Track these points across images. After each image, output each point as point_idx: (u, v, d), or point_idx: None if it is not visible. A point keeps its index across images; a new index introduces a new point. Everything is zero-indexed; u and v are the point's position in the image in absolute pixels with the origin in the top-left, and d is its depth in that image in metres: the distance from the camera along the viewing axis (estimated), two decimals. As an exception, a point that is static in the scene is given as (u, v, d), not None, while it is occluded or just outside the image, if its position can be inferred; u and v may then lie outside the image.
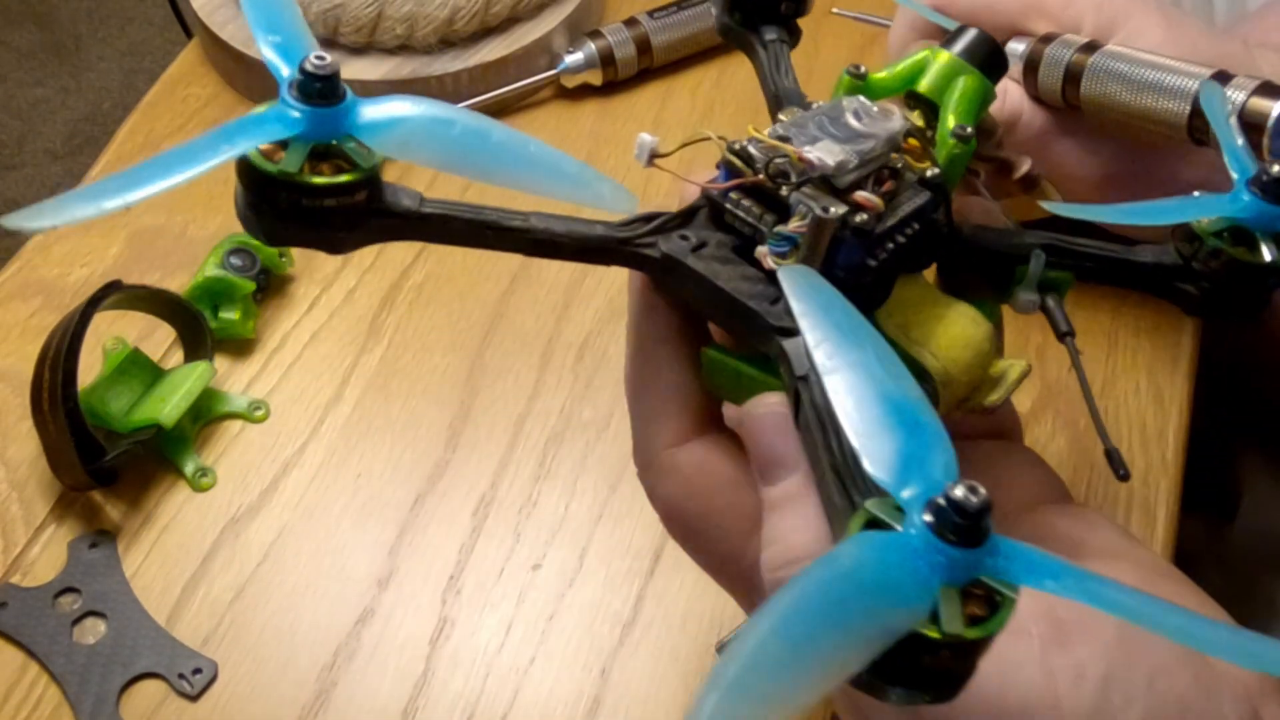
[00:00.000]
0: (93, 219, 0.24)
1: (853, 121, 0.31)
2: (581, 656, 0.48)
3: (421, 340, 0.57)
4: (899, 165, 0.31)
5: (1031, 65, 0.49)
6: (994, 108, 0.49)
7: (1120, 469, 0.33)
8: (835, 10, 0.65)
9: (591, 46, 0.67)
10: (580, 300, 0.59)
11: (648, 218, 0.31)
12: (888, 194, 0.30)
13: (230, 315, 0.56)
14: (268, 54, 0.28)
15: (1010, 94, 0.50)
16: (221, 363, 0.56)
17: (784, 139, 0.30)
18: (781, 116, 0.31)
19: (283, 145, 0.27)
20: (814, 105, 0.32)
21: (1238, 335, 0.68)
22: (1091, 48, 0.47)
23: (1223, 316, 0.33)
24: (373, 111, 0.27)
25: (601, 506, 0.52)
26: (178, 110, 0.68)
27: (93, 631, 0.48)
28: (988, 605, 0.21)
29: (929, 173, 0.32)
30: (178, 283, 0.57)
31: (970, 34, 0.35)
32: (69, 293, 0.59)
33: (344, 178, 0.27)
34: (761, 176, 0.30)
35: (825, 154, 0.29)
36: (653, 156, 0.31)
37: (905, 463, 0.23)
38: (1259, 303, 0.32)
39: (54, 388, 0.48)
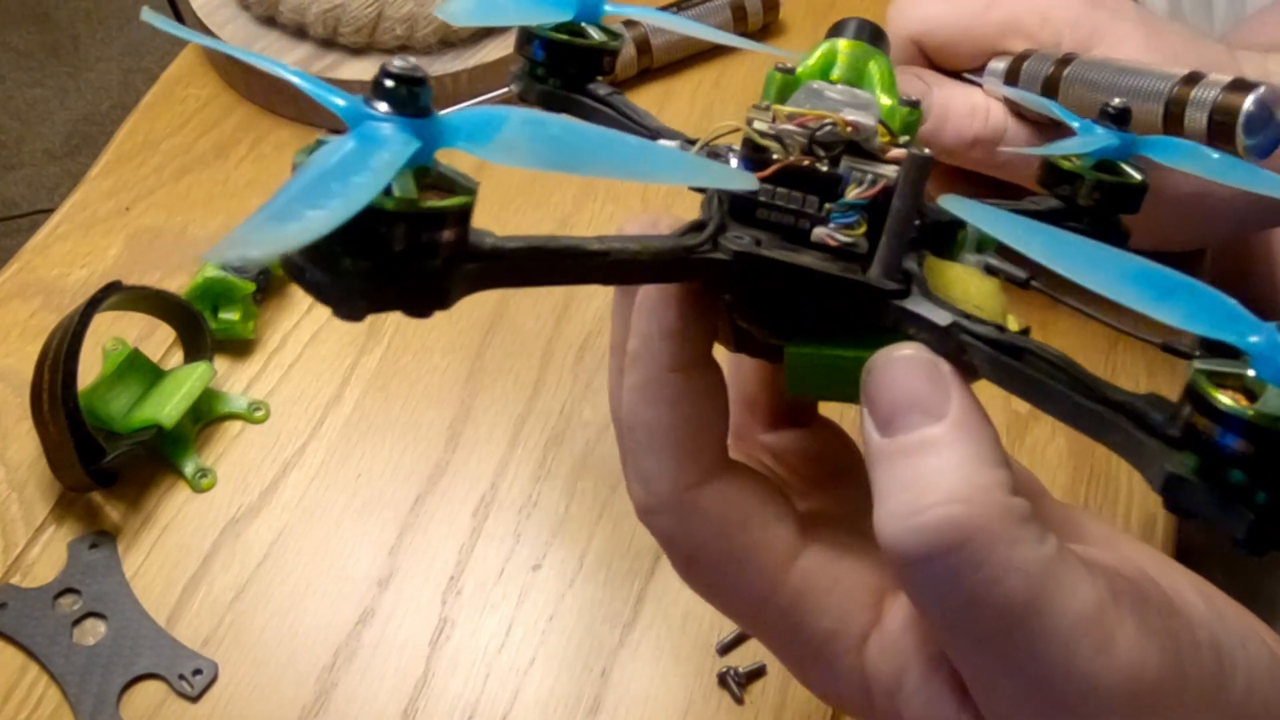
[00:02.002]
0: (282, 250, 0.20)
1: (836, 96, 0.30)
2: (581, 657, 0.48)
3: (421, 340, 0.57)
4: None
5: (1012, 82, 0.50)
6: (977, 125, 0.51)
7: (1186, 349, 0.34)
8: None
9: (591, 47, 0.67)
10: (580, 300, 0.59)
11: (698, 225, 0.29)
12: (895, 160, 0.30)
13: (230, 316, 0.56)
14: (311, 88, 0.24)
15: (993, 111, 0.51)
16: (221, 363, 0.56)
17: (816, 111, 0.29)
18: (752, 115, 0.30)
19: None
20: (764, 104, 0.32)
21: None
22: (1068, 60, 0.48)
23: (1106, 240, 0.35)
24: (469, 118, 0.24)
25: (602, 507, 0.52)
26: (177, 110, 0.68)
27: (93, 632, 0.48)
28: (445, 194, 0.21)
29: (901, 140, 0.31)
30: (178, 283, 0.57)
31: (853, 21, 0.35)
32: (69, 293, 0.59)
33: (461, 198, 0.23)
34: (793, 157, 0.29)
35: (861, 116, 0.29)
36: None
37: (1218, 318, 0.23)
38: (1126, 229, 0.36)
39: (54, 388, 0.48)
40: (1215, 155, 0.34)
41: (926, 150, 0.28)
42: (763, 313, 0.30)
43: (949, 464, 0.25)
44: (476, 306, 0.58)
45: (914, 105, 0.33)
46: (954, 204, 0.27)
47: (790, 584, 0.29)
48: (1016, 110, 0.51)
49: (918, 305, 0.27)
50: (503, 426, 0.54)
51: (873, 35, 0.35)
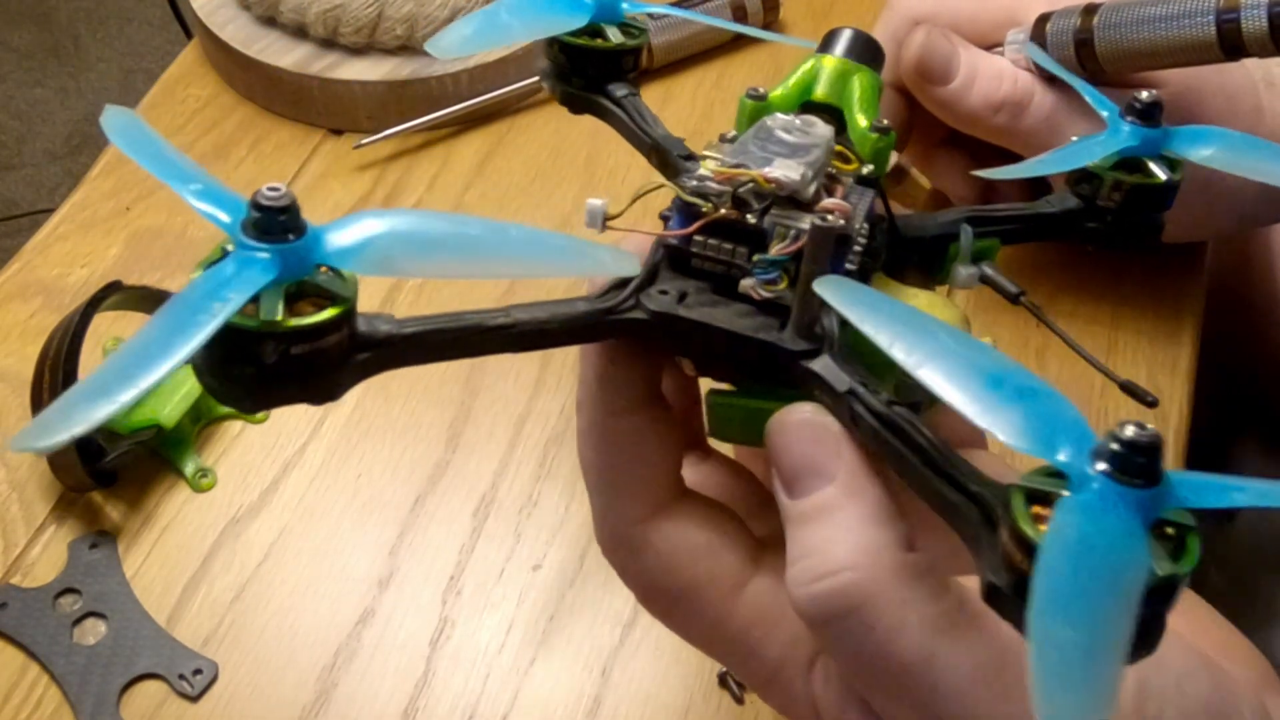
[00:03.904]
0: (109, 417, 0.21)
1: (785, 136, 0.30)
2: (582, 657, 0.48)
3: (421, 340, 0.57)
4: (833, 171, 0.31)
5: (1039, 46, 0.49)
6: (1005, 88, 0.50)
7: (1147, 396, 0.33)
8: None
9: (591, 47, 0.67)
10: (580, 300, 0.59)
11: (620, 284, 0.30)
12: (843, 198, 0.30)
13: (230, 316, 0.56)
14: (199, 205, 0.25)
15: (1021, 78, 0.50)
16: (222, 363, 0.56)
17: (738, 166, 0.29)
18: (708, 152, 0.31)
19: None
20: (730, 135, 0.32)
21: (1236, 334, 0.68)
22: (1091, 10, 0.47)
23: (1128, 245, 0.34)
24: (341, 237, 0.25)
25: (602, 507, 0.52)
26: (177, 110, 0.68)
27: (93, 632, 0.48)
28: (1170, 544, 0.22)
29: (864, 170, 0.32)
30: (178, 283, 0.57)
31: (845, 34, 0.36)
32: (69, 293, 0.59)
33: (330, 312, 0.24)
34: (723, 211, 0.29)
35: (787, 170, 0.29)
36: (605, 220, 0.31)
37: (1042, 427, 0.22)
38: (1157, 226, 0.34)
39: (54, 388, 0.48)
40: (1249, 146, 0.33)
41: (831, 219, 0.28)
42: (696, 359, 0.31)
43: (840, 529, 0.26)
44: (476, 307, 0.58)
45: (883, 132, 0.33)
46: (825, 286, 0.27)
47: (739, 614, 0.30)
48: (1046, 75, 0.50)
49: (822, 366, 0.28)
50: (503, 426, 0.54)
51: (863, 49, 0.35)
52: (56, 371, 0.48)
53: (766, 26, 0.71)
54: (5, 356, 0.56)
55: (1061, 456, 0.22)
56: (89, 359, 0.50)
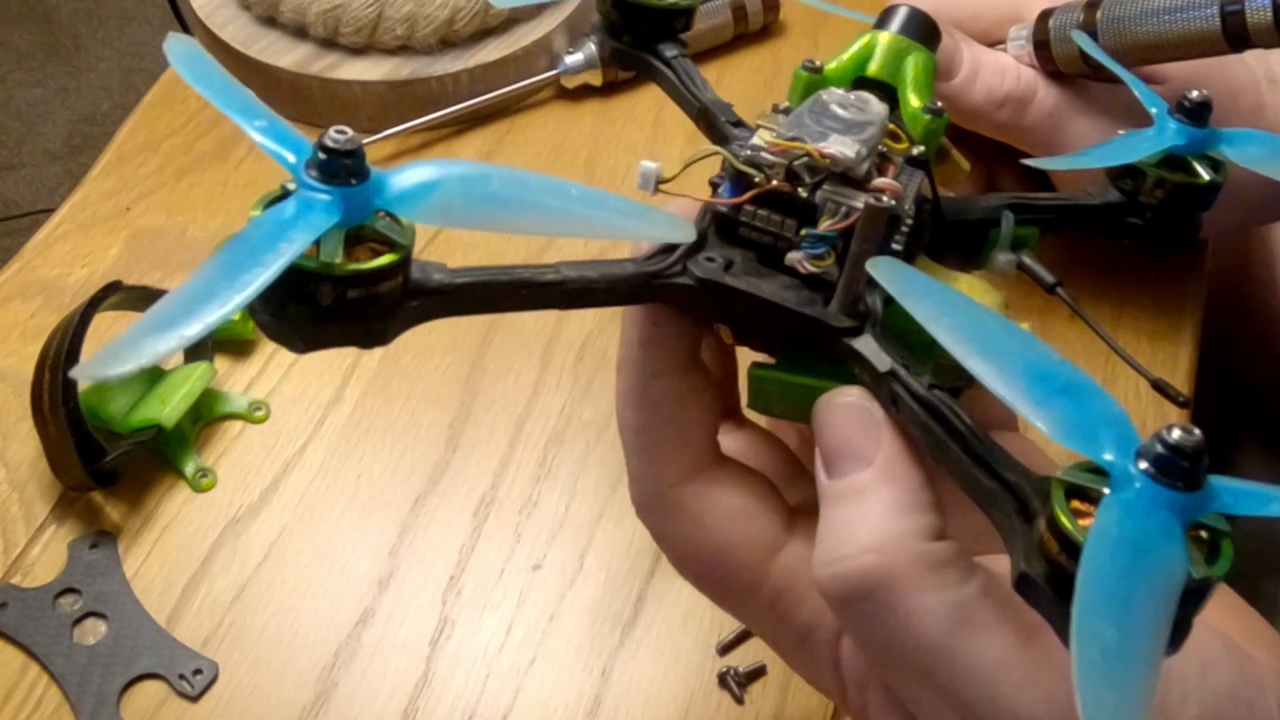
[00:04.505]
0: (177, 350, 0.22)
1: (841, 112, 0.30)
2: (582, 657, 0.48)
3: (422, 341, 0.57)
4: (884, 150, 0.31)
5: (1041, 43, 0.49)
6: (1009, 83, 0.49)
7: (1178, 397, 0.33)
8: None
9: (591, 47, 0.67)
10: (580, 300, 0.59)
11: (668, 248, 0.30)
12: (894, 177, 0.30)
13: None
14: (265, 142, 0.25)
15: (1024, 74, 0.50)
16: (222, 363, 0.56)
17: (794, 139, 0.29)
18: (760, 122, 0.31)
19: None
20: (783, 106, 0.32)
21: (1236, 334, 0.68)
22: (1094, 4, 0.47)
23: (1167, 242, 0.34)
24: (403, 180, 0.25)
25: (602, 507, 0.52)
26: (178, 110, 0.68)
27: (93, 632, 0.48)
28: (1203, 546, 0.22)
29: (914, 151, 0.31)
30: (178, 283, 0.56)
31: (902, 11, 0.35)
32: (69, 293, 0.59)
33: (388, 258, 0.25)
34: (776, 183, 0.29)
35: (843, 147, 0.29)
36: (659, 183, 0.31)
37: (1089, 424, 0.23)
38: (1196, 226, 0.34)
39: (54, 388, 0.48)
40: None
41: (885, 199, 0.28)
42: (738, 328, 0.31)
43: (871, 512, 0.27)
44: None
45: (936, 113, 0.33)
46: (878, 267, 0.27)
47: (772, 578, 0.30)
48: (1050, 71, 0.50)
49: (865, 346, 0.28)
50: (503, 426, 0.54)
51: (919, 28, 0.35)
52: (56, 371, 0.48)
53: (766, 26, 0.71)
54: (5, 356, 0.56)
55: (1107, 455, 0.22)
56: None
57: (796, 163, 0.29)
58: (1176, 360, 0.56)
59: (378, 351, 0.57)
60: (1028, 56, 0.50)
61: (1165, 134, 0.33)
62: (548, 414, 0.55)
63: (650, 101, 0.68)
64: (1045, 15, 0.49)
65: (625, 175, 0.64)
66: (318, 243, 0.24)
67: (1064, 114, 0.49)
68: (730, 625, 0.48)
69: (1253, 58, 0.50)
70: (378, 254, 0.25)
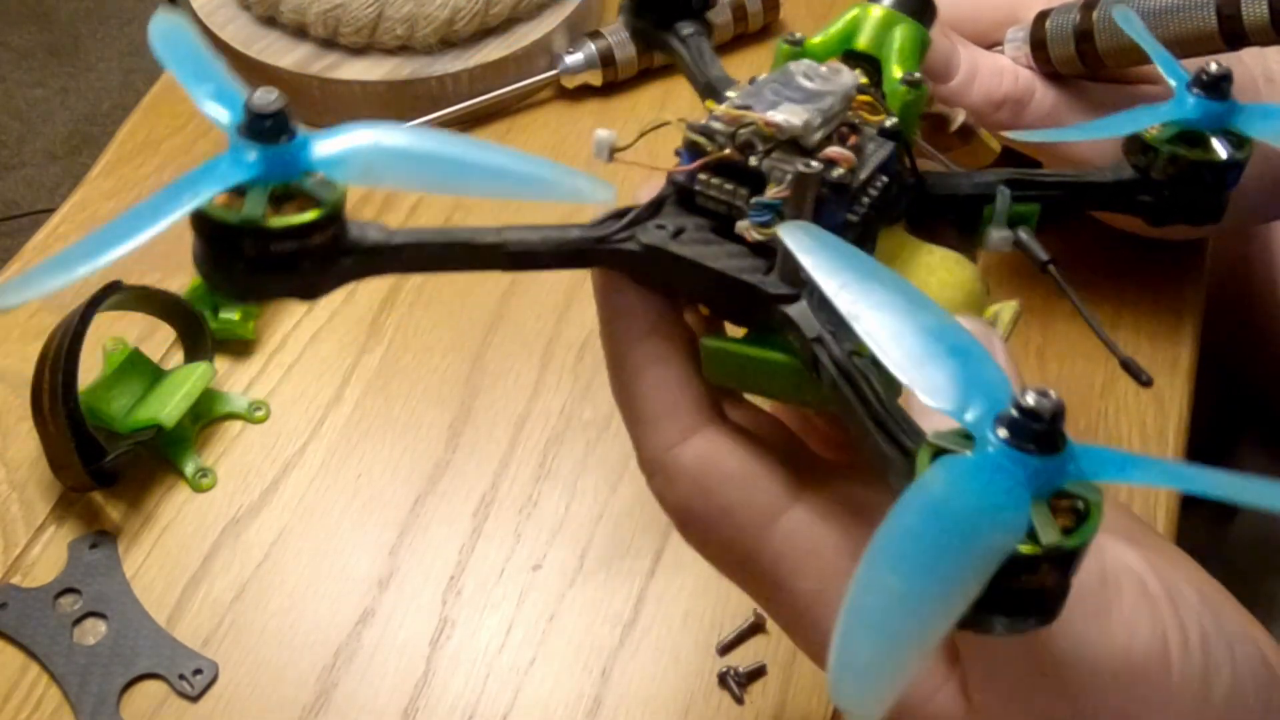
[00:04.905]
0: (64, 287, 0.23)
1: (805, 82, 0.30)
2: (582, 657, 0.48)
3: (422, 340, 0.57)
4: (856, 121, 0.31)
5: (1039, 43, 0.49)
6: (1006, 84, 0.49)
7: (1141, 375, 0.32)
8: None
9: (591, 47, 0.67)
10: (580, 300, 0.59)
11: (619, 214, 0.30)
12: (854, 148, 0.30)
13: (230, 316, 0.56)
14: (206, 106, 0.27)
15: (1021, 75, 0.50)
16: (222, 363, 0.56)
17: (744, 108, 0.30)
18: (729, 93, 0.31)
19: (241, 193, 0.26)
20: (759, 78, 0.32)
21: (1236, 334, 0.68)
22: (1091, 4, 0.47)
23: (1186, 220, 0.33)
24: (329, 145, 0.26)
25: (602, 506, 0.52)
26: (178, 110, 0.68)
27: (93, 632, 0.48)
28: (1073, 516, 0.21)
29: (887, 123, 0.32)
30: (178, 283, 0.57)
31: None
32: (69, 293, 0.59)
33: (310, 215, 0.26)
34: (728, 151, 0.29)
35: (790, 115, 0.29)
36: (613, 151, 0.31)
37: (961, 387, 0.22)
38: (1219, 203, 0.33)
39: (54, 388, 0.48)
40: None
41: (815, 165, 0.28)
42: (685, 295, 0.31)
43: None
44: (477, 306, 0.58)
45: (913, 85, 0.33)
46: (788, 231, 0.27)
47: (772, 545, 0.30)
48: (1047, 72, 0.50)
49: (798, 313, 0.28)
50: (503, 426, 0.54)
51: (913, 2, 0.35)
52: (56, 371, 0.48)
53: (766, 26, 0.71)
54: (5, 356, 0.56)
55: (968, 417, 0.22)
56: (89, 359, 0.50)
57: (743, 130, 0.29)
58: (1176, 360, 0.56)
59: (378, 351, 0.57)
60: (1025, 57, 0.50)
61: (1179, 106, 0.32)
62: (548, 414, 0.55)
63: (650, 101, 0.68)
64: (1042, 16, 0.49)
65: (625, 175, 0.64)
66: (244, 198, 0.25)
67: (1062, 114, 0.49)
68: (730, 625, 0.48)
69: (1250, 56, 0.50)
70: (306, 210, 0.26)
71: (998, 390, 0.22)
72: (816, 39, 0.35)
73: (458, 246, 0.29)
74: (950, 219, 0.34)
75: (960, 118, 0.44)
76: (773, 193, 0.29)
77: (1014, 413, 0.21)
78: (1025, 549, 0.21)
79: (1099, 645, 0.26)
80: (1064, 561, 0.21)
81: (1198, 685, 0.27)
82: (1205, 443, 0.57)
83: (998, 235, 0.33)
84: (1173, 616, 0.27)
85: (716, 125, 0.30)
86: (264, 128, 0.26)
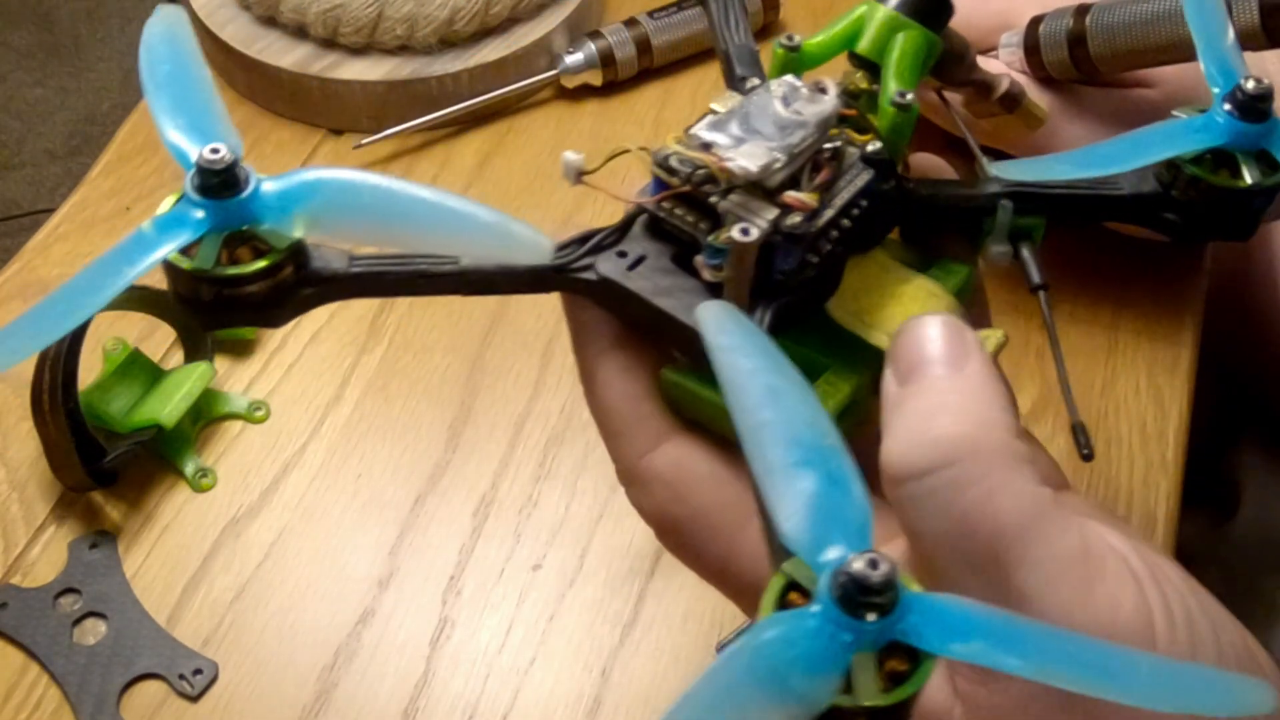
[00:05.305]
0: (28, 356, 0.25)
1: (781, 110, 0.29)
2: (582, 657, 0.48)
3: (422, 340, 0.57)
4: (839, 143, 0.30)
5: (1032, 48, 0.49)
6: (999, 94, 0.49)
7: (1084, 448, 0.31)
8: None
9: (591, 47, 0.67)
10: (580, 300, 0.59)
11: (584, 238, 0.30)
12: (825, 182, 0.29)
13: (230, 316, 0.56)
14: (173, 139, 0.29)
15: (1013, 79, 0.50)
16: (222, 363, 0.56)
17: (707, 145, 0.29)
18: (715, 106, 0.30)
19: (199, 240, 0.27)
20: (750, 85, 0.31)
21: (1236, 334, 0.67)
22: (1083, 11, 0.47)
23: (1213, 238, 0.32)
24: (274, 194, 0.27)
25: (602, 507, 0.52)
26: (178, 110, 0.68)
27: (93, 632, 0.48)
28: (909, 658, 0.21)
29: (870, 148, 0.30)
30: (178, 283, 0.57)
31: None
32: (69, 293, 0.59)
33: (261, 263, 0.27)
34: (688, 186, 0.29)
35: (748, 160, 0.28)
36: (579, 174, 0.31)
37: (823, 524, 0.22)
38: (1249, 222, 0.31)
39: (54, 388, 0.48)
40: None
41: (753, 233, 0.28)
42: (635, 327, 0.31)
43: (962, 399, 0.27)
44: (477, 306, 0.58)
45: (903, 108, 0.32)
46: (706, 312, 0.27)
47: (748, 547, 0.30)
48: (1041, 77, 0.50)
49: None
50: (503, 426, 0.54)
51: (921, 4, 0.33)
52: (56, 371, 0.48)
53: (766, 26, 0.71)
54: (5, 356, 0.56)
55: (820, 558, 0.22)
56: (89, 359, 0.50)
57: (696, 174, 0.29)
58: (1176, 360, 0.56)
59: (378, 351, 0.57)
60: (1019, 63, 0.50)
61: (1210, 130, 0.30)
62: (548, 414, 0.55)
63: (650, 101, 0.68)
64: (1036, 21, 0.49)
65: (624, 175, 0.64)
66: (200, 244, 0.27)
67: (1056, 120, 0.49)
68: (730, 625, 0.48)
69: (1248, 60, 0.50)
70: (260, 255, 0.28)
71: (854, 532, 0.22)
72: (819, 38, 0.34)
73: (416, 275, 0.29)
74: (956, 228, 0.33)
75: (1004, 85, 0.42)
76: (724, 237, 0.28)
77: (843, 578, 0.21)
78: (841, 703, 0.20)
79: (1083, 617, 0.26)
80: (886, 715, 0.21)
81: (1183, 659, 0.27)
82: (1205, 443, 0.57)
83: (996, 250, 0.32)
84: (1156, 592, 0.27)
85: (673, 163, 0.29)
86: (212, 184, 0.27)
